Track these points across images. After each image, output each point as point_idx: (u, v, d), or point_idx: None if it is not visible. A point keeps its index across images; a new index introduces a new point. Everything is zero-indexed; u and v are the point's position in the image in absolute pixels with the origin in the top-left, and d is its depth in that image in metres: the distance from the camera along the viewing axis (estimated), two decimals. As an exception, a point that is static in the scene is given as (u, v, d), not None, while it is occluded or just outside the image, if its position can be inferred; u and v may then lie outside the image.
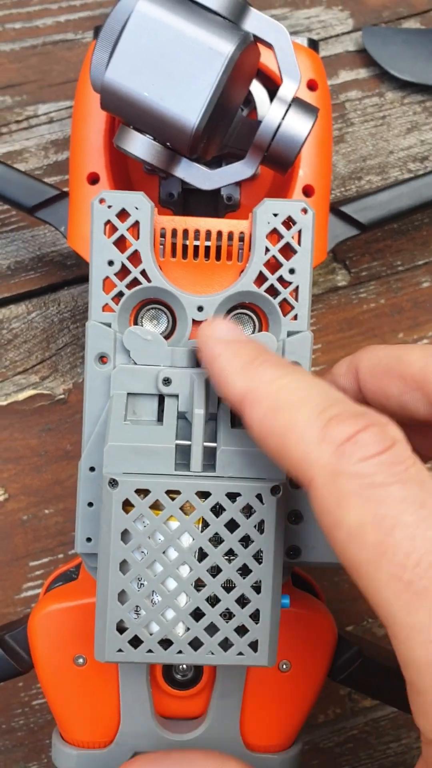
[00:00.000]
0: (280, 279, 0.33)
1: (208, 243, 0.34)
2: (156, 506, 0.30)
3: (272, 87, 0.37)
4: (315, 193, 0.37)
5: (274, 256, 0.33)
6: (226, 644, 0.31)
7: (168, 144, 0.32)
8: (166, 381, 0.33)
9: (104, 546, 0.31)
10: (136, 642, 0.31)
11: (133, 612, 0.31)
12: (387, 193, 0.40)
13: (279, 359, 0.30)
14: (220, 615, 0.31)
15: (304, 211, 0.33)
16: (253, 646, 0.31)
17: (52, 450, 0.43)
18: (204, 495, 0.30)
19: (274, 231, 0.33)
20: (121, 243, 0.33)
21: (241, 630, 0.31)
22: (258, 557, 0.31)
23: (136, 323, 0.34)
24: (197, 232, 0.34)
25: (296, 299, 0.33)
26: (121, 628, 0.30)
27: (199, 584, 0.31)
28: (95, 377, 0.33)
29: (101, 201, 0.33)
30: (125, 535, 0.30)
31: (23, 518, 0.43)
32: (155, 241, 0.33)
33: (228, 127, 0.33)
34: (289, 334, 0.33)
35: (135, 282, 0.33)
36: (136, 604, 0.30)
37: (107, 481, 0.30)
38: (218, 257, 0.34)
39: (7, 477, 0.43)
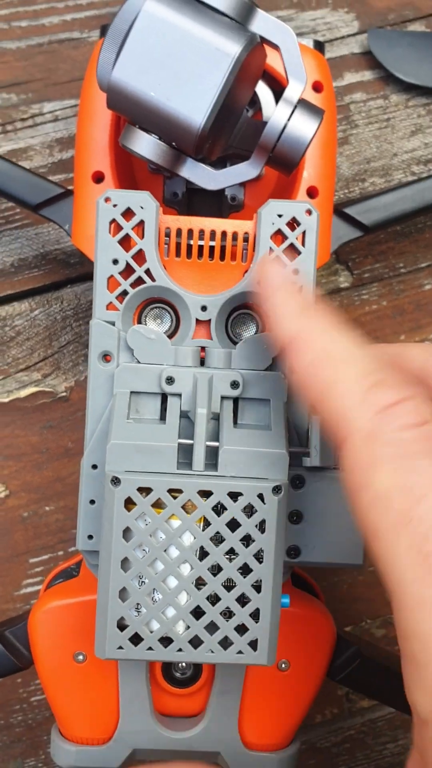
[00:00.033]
0: (284, 280, 0.33)
1: (212, 243, 0.34)
2: (158, 505, 0.31)
3: (278, 88, 0.37)
4: (319, 194, 0.37)
5: (278, 257, 0.33)
6: (225, 643, 0.31)
7: (174, 144, 0.32)
8: (169, 380, 0.33)
9: (106, 543, 0.31)
10: (136, 639, 0.31)
11: (134, 609, 0.31)
12: (390, 196, 0.40)
13: (332, 315, 0.29)
14: (221, 613, 0.31)
15: (309, 212, 0.33)
16: (253, 644, 0.31)
17: (54, 447, 0.43)
18: (206, 494, 0.31)
19: (279, 232, 0.33)
20: (125, 242, 0.33)
21: (241, 629, 0.31)
22: (259, 557, 0.31)
23: (139, 322, 0.34)
24: (202, 232, 0.34)
25: (300, 300, 0.33)
26: (121, 626, 0.31)
27: (199, 583, 0.31)
28: (98, 375, 0.33)
29: (107, 200, 0.33)
30: (127, 532, 0.30)
31: (24, 515, 0.43)
32: (160, 240, 0.33)
33: (233, 128, 0.33)
34: (292, 334, 0.33)
35: (139, 281, 0.33)
36: (137, 602, 0.31)
37: (109, 479, 0.30)
38: (222, 257, 0.34)
39: (8, 474, 0.43)
